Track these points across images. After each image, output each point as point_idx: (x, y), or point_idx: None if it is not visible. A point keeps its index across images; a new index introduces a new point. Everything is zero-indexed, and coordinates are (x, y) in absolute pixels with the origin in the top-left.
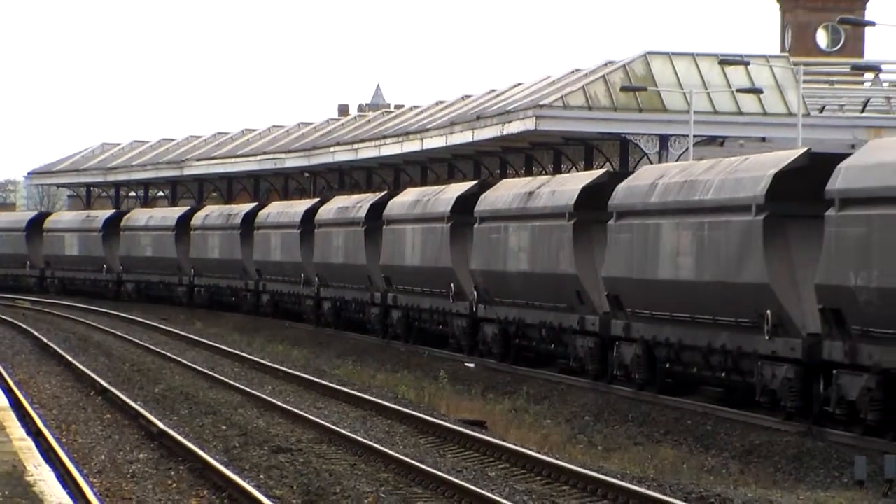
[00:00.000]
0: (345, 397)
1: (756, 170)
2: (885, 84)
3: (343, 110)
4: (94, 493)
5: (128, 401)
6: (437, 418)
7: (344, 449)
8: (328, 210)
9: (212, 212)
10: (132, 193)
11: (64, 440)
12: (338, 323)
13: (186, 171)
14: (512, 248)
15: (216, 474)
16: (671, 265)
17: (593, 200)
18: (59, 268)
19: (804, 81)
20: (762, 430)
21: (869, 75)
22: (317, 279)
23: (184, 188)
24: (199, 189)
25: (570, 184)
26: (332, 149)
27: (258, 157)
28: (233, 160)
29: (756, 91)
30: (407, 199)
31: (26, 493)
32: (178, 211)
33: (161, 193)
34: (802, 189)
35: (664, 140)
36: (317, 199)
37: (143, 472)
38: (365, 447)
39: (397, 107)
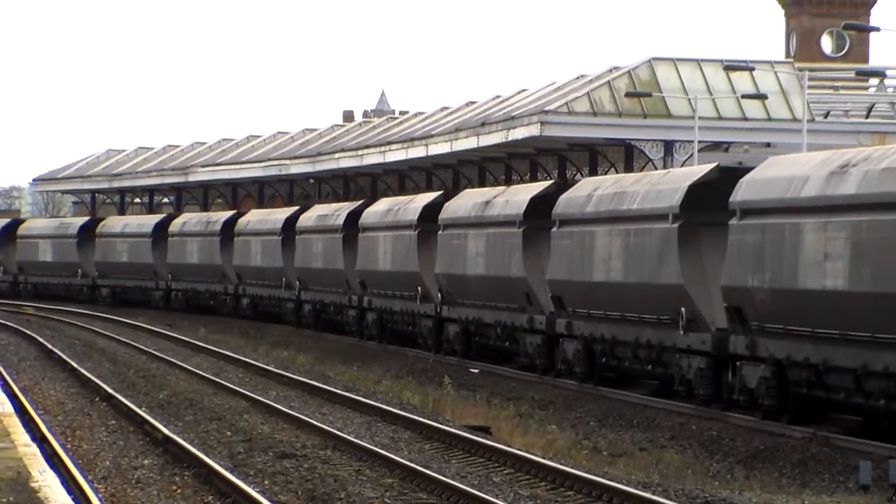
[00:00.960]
0: (349, 403)
1: (673, 182)
2: (890, 89)
3: (348, 116)
4: (99, 499)
5: (132, 407)
6: (441, 424)
7: (349, 454)
8: (308, 218)
9: (190, 219)
10: (137, 200)
11: (69, 446)
12: (317, 324)
13: (191, 178)
14: (471, 254)
15: (221, 480)
16: (604, 268)
17: (542, 209)
18: (33, 273)
19: (809, 87)
20: (767, 434)
21: (874, 81)
22: (298, 283)
23: (189, 195)
24: (204, 195)
25: (521, 194)
26: (336, 155)
27: (263, 164)
28: (238, 167)
29: (761, 97)
30: (380, 208)
31: (31, 498)
32: (155, 218)
33: (166, 200)
34: (713, 200)
35: (669, 146)
36: (297, 208)
37: (148, 477)
38: (370, 453)
39: (402, 113)
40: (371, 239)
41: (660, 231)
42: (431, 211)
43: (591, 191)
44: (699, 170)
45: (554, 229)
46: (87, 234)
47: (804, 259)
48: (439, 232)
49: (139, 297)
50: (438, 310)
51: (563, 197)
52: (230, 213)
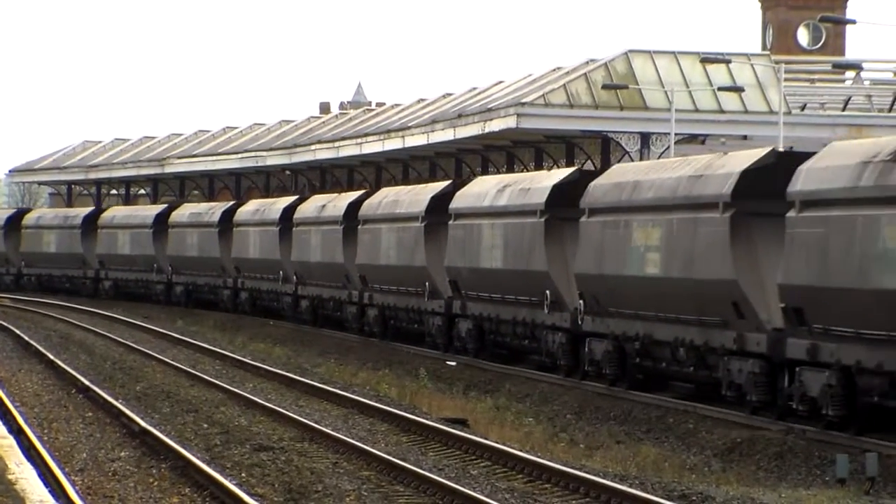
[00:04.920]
0: (326, 395)
1: (425, 193)
2: (866, 82)
3: (324, 108)
4: (76, 492)
5: (109, 399)
6: (418, 416)
7: (325, 447)
8: (181, 215)
9: (45, 214)
10: (113, 191)
11: (45, 438)
12: (188, 302)
13: (168, 169)
14: (313, 245)
15: (198, 472)
16: (385, 255)
17: (357, 212)
18: None
19: (785, 79)
20: (744, 427)
21: (850, 73)
22: (170, 268)
23: (165, 186)
24: (181, 187)
25: (343, 200)
26: (313, 147)
27: (239, 155)
28: (214, 158)
29: (737, 89)
30: (249, 208)
31: (8, 490)
32: (8, 212)
33: (143, 191)
34: (444, 207)
35: (645, 138)
36: (165, 206)
37: (125, 470)
38: (347, 445)
39: (379, 105)
40: (244, 233)
41: (414, 228)
42: (289, 212)
43: (382, 198)
44: (439, 185)
45: (360, 226)
46: None
47: (483, 248)
48: (293, 228)
49: None
50: (295, 289)
51: (366, 203)
52: (90, 209)
